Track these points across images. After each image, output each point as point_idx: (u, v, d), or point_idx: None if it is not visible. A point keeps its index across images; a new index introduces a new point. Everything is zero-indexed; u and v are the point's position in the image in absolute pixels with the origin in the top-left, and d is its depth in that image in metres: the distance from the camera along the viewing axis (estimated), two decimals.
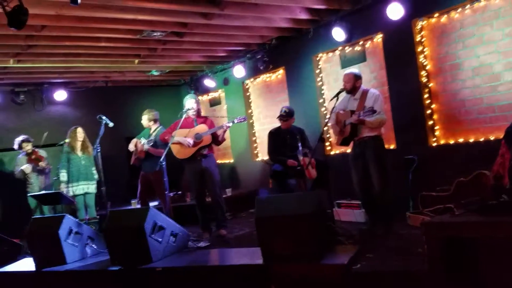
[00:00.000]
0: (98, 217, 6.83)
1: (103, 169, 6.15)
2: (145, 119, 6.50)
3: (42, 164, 6.88)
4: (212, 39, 7.12)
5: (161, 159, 5.60)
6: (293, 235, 3.87)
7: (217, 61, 8.71)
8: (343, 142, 5.21)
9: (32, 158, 6.91)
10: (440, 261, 3.31)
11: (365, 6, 5.94)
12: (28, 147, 6.96)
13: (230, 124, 5.68)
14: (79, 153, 6.80)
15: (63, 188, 6.58)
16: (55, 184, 7.10)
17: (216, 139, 5.77)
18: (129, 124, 8.47)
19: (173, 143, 5.67)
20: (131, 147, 6.44)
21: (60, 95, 8.72)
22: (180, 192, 8.22)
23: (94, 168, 6.86)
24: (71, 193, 6.59)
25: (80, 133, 6.85)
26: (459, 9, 5.13)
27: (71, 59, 7.22)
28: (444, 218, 3.58)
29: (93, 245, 5.05)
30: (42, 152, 7.09)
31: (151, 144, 6.12)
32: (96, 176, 6.85)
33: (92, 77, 8.79)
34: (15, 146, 7.06)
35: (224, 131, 5.72)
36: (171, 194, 8.02)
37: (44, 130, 7.38)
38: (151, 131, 6.44)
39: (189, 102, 5.82)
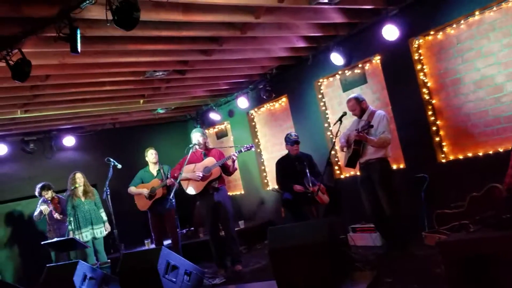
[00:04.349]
0: (109, 261, 6.76)
1: (114, 210, 6.15)
2: (155, 154, 6.61)
3: (56, 216, 6.86)
4: (214, 73, 7.23)
5: (171, 196, 5.62)
6: (309, 265, 3.82)
7: (221, 94, 8.82)
8: (349, 163, 5.19)
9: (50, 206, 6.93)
10: (459, 280, 3.23)
11: (361, 30, 6.01)
12: (48, 194, 6.97)
13: (237, 154, 5.67)
14: (82, 198, 6.80)
15: (72, 235, 6.59)
16: (68, 232, 7.10)
17: (227, 170, 5.76)
18: (139, 163, 8.47)
19: (183, 179, 5.68)
20: (144, 191, 6.41)
21: (69, 140, 8.84)
22: (192, 228, 8.17)
23: (102, 211, 6.84)
24: (81, 240, 6.58)
25: (79, 178, 6.81)
26: (454, 25, 5.17)
27: (78, 104, 7.34)
28: (459, 236, 3.52)
29: None
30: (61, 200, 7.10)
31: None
32: (104, 219, 6.80)
33: (99, 121, 8.92)
34: (36, 193, 7.10)
35: (234, 161, 5.71)
36: (184, 231, 8.01)
37: (56, 177, 7.44)
38: (155, 168, 6.51)
39: (195, 136, 5.87)
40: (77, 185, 6.73)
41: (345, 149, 5.23)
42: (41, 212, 6.85)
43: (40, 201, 7.05)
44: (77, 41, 3.93)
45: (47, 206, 6.86)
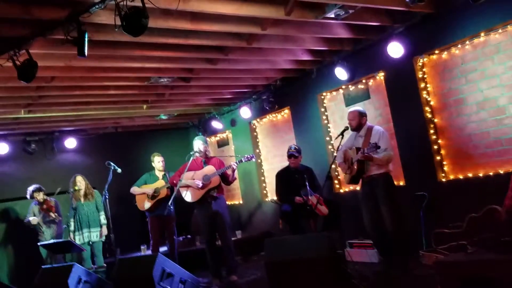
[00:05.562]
0: (105, 265, 6.73)
1: (112, 215, 6.14)
2: (162, 162, 6.56)
3: (52, 215, 6.85)
4: (218, 82, 7.28)
5: (169, 203, 5.61)
6: (306, 279, 3.80)
7: (224, 103, 8.85)
8: (352, 181, 5.19)
9: (44, 208, 6.91)
10: None
11: (366, 46, 6.05)
12: (40, 196, 6.95)
13: (237, 164, 5.68)
14: (82, 200, 6.79)
15: (71, 237, 6.58)
16: (65, 233, 7.07)
17: (227, 179, 5.77)
18: (140, 168, 8.48)
19: (182, 186, 5.68)
20: (147, 190, 6.40)
21: (71, 142, 8.85)
22: (189, 236, 8.14)
23: (101, 213, 6.81)
24: (78, 242, 6.56)
25: (79, 181, 6.82)
26: (459, 45, 5.20)
27: (81, 107, 7.36)
28: (457, 257, 3.51)
29: None
30: (53, 202, 7.08)
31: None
32: (103, 222, 6.78)
33: (102, 124, 8.94)
34: (27, 195, 7.08)
35: (234, 171, 5.72)
36: (181, 238, 7.98)
37: (56, 178, 7.42)
38: (161, 173, 6.50)
39: (197, 144, 5.88)
40: (77, 188, 6.73)
41: (347, 172, 5.21)
42: (29, 222, 6.85)
43: (32, 204, 7.03)
44: (84, 45, 3.96)
45: (35, 218, 6.84)
